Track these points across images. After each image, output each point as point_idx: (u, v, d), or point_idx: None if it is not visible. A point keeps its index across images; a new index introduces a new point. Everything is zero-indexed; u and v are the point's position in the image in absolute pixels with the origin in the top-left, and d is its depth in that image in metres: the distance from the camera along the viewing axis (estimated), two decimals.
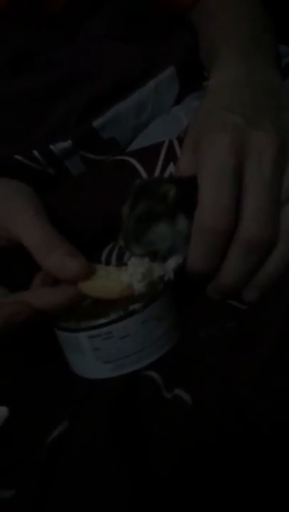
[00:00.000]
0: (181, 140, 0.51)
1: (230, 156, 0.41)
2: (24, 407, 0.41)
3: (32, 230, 0.43)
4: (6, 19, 0.60)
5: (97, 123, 0.57)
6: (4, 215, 0.44)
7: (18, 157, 0.54)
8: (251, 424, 0.36)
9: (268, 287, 0.43)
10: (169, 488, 0.35)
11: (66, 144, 0.56)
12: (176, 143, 0.52)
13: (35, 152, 0.55)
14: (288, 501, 0.34)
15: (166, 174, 0.50)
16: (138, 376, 0.42)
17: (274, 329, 0.39)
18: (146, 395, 0.41)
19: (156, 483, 0.35)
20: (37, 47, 0.61)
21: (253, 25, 0.57)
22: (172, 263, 0.43)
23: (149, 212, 0.42)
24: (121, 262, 0.49)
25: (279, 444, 0.35)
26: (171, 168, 0.50)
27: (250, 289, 0.44)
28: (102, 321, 0.42)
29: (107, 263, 0.50)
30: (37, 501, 0.34)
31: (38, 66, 0.60)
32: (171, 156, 0.51)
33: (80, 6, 0.64)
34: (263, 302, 0.43)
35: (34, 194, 0.46)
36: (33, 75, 0.60)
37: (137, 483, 0.34)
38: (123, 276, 0.42)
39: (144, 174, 0.50)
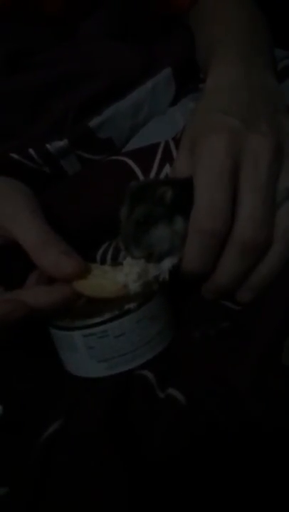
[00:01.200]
0: (177, 141, 0.52)
1: (227, 158, 0.42)
2: (18, 404, 0.41)
3: (28, 229, 0.43)
4: (6, 17, 0.59)
5: (94, 122, 0.57)
6: (1, 213, 0.44)
7: (14, 155, 0.54)
8: (246, 423, 0.36)
9: (262, 288, 0.43)
10: (165, 485, 0.35)
11: (62, 143, 0.56)
12: (172, 144, 0.52)
13: (31, 151, 0.54)
14: (284, 499, 0.34)
15: (163, 175, 0.50)
16: (132, 375, 0.43)
17: (268, 329, 0.40)
18: (140, 394, 0.41)
19: (152, 480, 0.35)
20: (35, 45, 0.61)
21: (250, 28, 0.58)
22: (167, 263, 0.44)
23: (147, 215, 0.42)
24: (116, 262, 0.49)
25: (273, 443, 0.35)
26: (167, 169, 0.50)
27: (245, 290, 0.44)
28: (97, 319, 0.42)
29: (102, 262, 0.51)
30: (31, 499, 0.34)
31: (36, 64, 0.60)
32: (168, 157, 0.51)
33: (79, 5, 0.64)
34: (257, 303, 0.43)
35: (31, 193, 0.46)
36: (31, 73, 0.60)
37: (133, 480, 0.35)
38: (118, 275, 0.43)
39: (140, 175, 0.51)
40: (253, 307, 0.44)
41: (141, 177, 0.51)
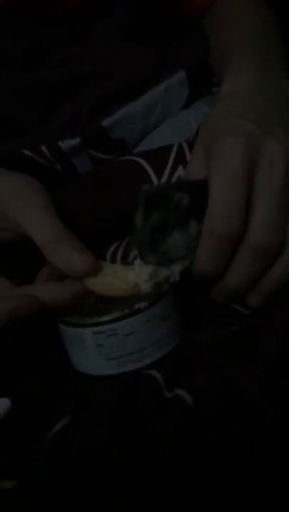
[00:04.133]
0: (190, 143, 0.52)
1: (243, 162, 0.42)
2: (26, 399, 0.41)
3: (41, 225, 0.43)
4: (21, 14, 0.60)
5: (106, 122, 0.57)
6: (14, 208, 0.44)
7: (26, 152, 0.54)
8: (253, 425, 0.36)
9: (272, 293, 0.44)
10: (169, 485, 0.35)
11: (75, 141, 0.56)
12: (185, 146, 0.52)
13: (44, 148, 0.55)
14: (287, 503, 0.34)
15: (175, 177, 0.51)
16: (139, 374, 0.43)
17: (278, 333, 0.40)
18: (147, 393, 0.41)
19: (156, 480, 0.35)
20: (51, 43, 0.61)
21: (265, 33, 0.58)
22: (179, 265, 0.44)
23: (163, 222, 0.42)
24: (126, 261, 0.49)
25: (283, 448, 0.35)
26: (180, 171, 0.51)
27: (255, 294, 0.44)
28: (106, 317, 0.42)
29: (112, 262, 0.50)
30: (38, 492, 0.34)
31: (51, 63, 0.60)
32: (181, 159, 0.51)
33: (94, 5, 0.65)
34: (267, 307, 0.44)
35: (44, 189, 0.46)
36: (45, 71, 0.60)
37: (137, 480, 0.35)
38: (129, 275, 0.43)
39: (153, 176, 0.51)
40: (262, 311, 0.44)
41: (154, 178, 0.51)
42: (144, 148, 0.59)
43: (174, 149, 0.52)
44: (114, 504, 0.34)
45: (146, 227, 0.42)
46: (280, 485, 0.35)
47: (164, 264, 0.43)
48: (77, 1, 0.62)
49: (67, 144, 0.55)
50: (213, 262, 0.43)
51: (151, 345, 0.43)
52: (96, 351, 0.42)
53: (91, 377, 0.44)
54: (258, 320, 0.43)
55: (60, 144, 0.55)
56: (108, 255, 0.51)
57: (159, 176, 0.51)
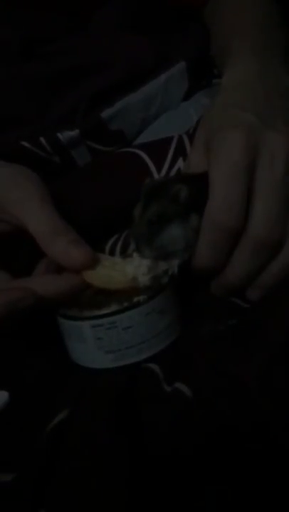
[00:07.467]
0: (190, 136, 0.51)
1: (243, 155, 0.41)
2: (25, 392, 0.41)
3: (38, 217, 0.43)
4: (19, 3, 0.59)
5: (105, 114, 0.57)
6: (11, 200, 0.44)
7: (25, 143, 0.54)
8: (253, 419, 0.36)
9: (272, 286, 0.43)
10: (168, 478, 0.35)
11: (73, 133, 0.55)
12: (185, 138, 0.52)
13: (42, 139, 0.54)
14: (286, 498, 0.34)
15: (175, 169, 0.50)
16: (138, 368, 0.43)
17: (278, 327, 0.39)
18: (146, 386, 0.41)
19: (156, 473, 0.35)
20: (50, 33, 0.60)
21: (266, 25, 0.57)
22: (178, 258, 0.43)
23: (160, 214, 0.42)
24: (125, 254, 0.49)
25: (281, 440, 0.35)
26: (180, 163, 0.50)
27: (254, 288, 0.44)
28: (105, 311, 0.42)
29: (111, 254, 0.50)
30: (37, 485, 0.34)
31: (50, 53, 0.60)
32: (181, 151, 0.51)
33: None
34: (267, 301, 0.43)
35: (42, 181, 0.46)
36: (44, 61, 0.59)
37: (137, 472, 0.35)
38: (128, 268, 0.43)
39: (153, 168, 0.50)
40: (262, 305, 0.44)
41: (153, 170, 0.50)
42: (144, 140, 0.58)
43: (174, 141, 0.52)
44: (114, 497, 0.34)
45: (143, 219, 0.42)
46: (280, 477, 0.35)
47: (161, 258, 0.42)
48: None
49: (66, 135, 0.55)
50: (212, 255, 0.43)
51: (151, 339, 0.43)
52: (95, 344, 0.42)
53: (90, 370, 0.43)
54: (258, 314, 0.43)
55: (59, 135, 0.55)
56: (107, 248, 0.51)
57: (159, 168, 0.51)
